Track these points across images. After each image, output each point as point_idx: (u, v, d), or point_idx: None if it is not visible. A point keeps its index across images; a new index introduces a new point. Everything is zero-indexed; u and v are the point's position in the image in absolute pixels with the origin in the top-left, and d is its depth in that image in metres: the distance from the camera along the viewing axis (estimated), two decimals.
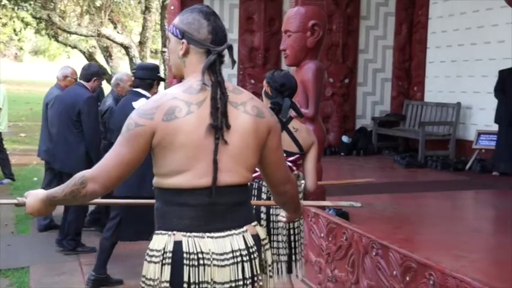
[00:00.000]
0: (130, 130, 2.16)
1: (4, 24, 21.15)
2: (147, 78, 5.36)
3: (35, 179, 10.76)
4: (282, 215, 3.32)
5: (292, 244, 3.83)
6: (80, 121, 6.18)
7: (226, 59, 2.27)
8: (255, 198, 3.69)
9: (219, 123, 2.16)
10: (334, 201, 4.76)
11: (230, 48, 2.28)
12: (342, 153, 10.29)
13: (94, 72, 6.52)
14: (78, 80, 6.62)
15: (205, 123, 2.15)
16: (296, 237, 3.85)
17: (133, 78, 6.29)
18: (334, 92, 10.61)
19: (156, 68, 5.82)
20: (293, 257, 3.83)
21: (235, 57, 9.88)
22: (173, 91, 2.23)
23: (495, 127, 8.74)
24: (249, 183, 2.37)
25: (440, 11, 10.55)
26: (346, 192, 5.94)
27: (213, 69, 2.22)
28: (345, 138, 10.58)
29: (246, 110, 2.24)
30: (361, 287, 4.53)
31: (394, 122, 10.89)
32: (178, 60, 2.30)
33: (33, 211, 2.30)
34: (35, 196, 2.31)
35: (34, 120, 19.65)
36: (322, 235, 5.16)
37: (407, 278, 3.97)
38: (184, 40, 2.25)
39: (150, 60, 19.79)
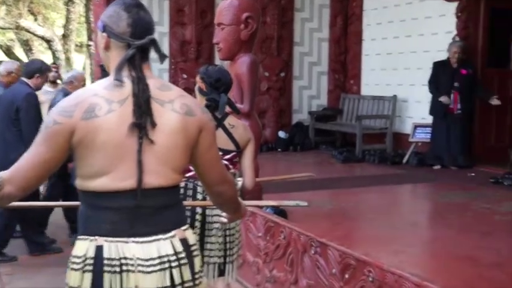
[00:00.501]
0: (48, 128, 2.10)
1: None
2: None
3: None
4: (223, 216, 3.28)
5: (227, 245, 3.79)
6: (19, 119, 6.06)
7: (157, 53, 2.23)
8: (191, 198, 3.65)
9: (142, 122, 2.10)
10: (274, 199, 4.71)
11: (153, 42, 2.23)
12: (279, 149, 10.33)
13: (36, 69, 6.42)
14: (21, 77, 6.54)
15: (128, 121, 2.09)
16: (231, 238, 3.81)
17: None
18: (269, 86, 10.66)
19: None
20: (227, 258, 3.80)
21: (166, 51, 9.92)
22: (95, 87, 2.18)
23: (431, 120, 8.98)
24: (180, 185, 2.32)
25: (375, 3, 10.69)
26: (283, 190, 5.96)
27: (133, 64, 2.16)
28: (281, 134, 10.64)
29: (174, 108, 2.18)
30: (300, 286, 4.58)
31: (331, 116, 10.98)
32: (103, 55, 2.26)
33: None
34: None
35: None
36: (259, 234, 5.17)
37: (347, 276, 4.03)
38: (105, 33, 2.21)
39: (74, 55, 19.39)
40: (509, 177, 7.30)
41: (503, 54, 9.30)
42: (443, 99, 8.46)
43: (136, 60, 2.17)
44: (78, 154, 2.13)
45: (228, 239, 3.78)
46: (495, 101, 8.54)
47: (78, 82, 6.90)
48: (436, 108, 8.65)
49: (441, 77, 8.59)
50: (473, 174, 7.99)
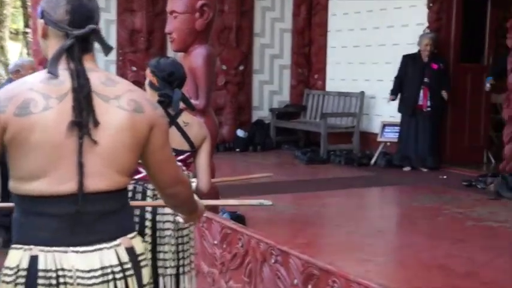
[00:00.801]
0: None
1: None
2: None
3: None
4: (179, 216, 3.28)
5: (181, 254, 3.77)
6: None
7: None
8: (139, 199, 3.63)
9: (82, 120, 2.06)
10: (238, 200, 4.70)
11: (95, 32, 2.18)
12: (237, 149, 10.33)
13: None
14: None
15: (67, 119, 2.05)
16: (185, 246, 3.79)
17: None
18: (227, 80, 10.67)
19: None
20: (181, 269, 3.78)
21: (113, 41, 9.84)
22: (31, 80, 2.13)
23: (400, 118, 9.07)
24: (127, 188, 2.31)
25: None
26: (242, 193, 5.95)
27: (71, 55, 2.12)
28: (240, 132, 10.62)
29: (121, 105, 2.15)
30: None
31: (294, 113, 11.02)
32: (42, 44, 2.22)
33: None
34: None
35: None
36: (215, 242, 5.16)
37: (310, 287, 4.05)
38: (42, 20, 2.17)
39: (9, 43, 19.13)
40: (483, 180, 7.41)
41: (476, 48, 9.41)
42: (390, 98, 8.71)
43: (75, 52, 2.13)
44: (11, 153, 2.10)
45: (180, 247, 3.75)
46: (444, 95, 8.65)
47: (25, 71, 6.77)
48: (404, 105, 8.77)
49: (410, 71, 8.71)
50: (445, 176, 8.10)
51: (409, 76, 8.70)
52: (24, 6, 17.73)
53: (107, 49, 2.25)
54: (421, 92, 8.62)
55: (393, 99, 8.79)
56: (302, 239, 4.82)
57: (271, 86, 11.25)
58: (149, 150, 2.24)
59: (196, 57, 5.54)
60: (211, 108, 5.68)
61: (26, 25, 17.19)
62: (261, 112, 11.06)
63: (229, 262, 4.99)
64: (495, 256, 4.65)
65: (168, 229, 3.65)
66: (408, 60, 8.76)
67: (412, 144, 8.63)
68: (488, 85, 8.58)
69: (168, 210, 3.54)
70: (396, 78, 8.83)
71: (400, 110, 8.84)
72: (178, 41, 5.65)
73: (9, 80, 7.08)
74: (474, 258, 4.52)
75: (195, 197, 2.67)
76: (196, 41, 5.62)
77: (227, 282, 5.02)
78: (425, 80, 8.61)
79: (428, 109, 8.62)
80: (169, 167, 2.36)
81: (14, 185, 2.14)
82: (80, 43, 2.13)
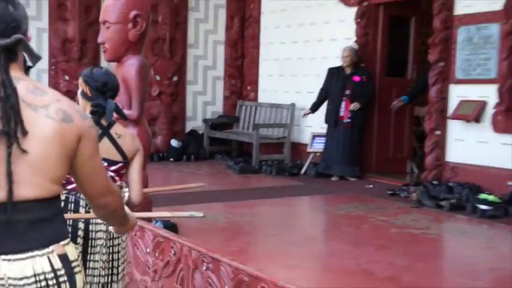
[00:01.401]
0: None
1: None
2: None
3: None
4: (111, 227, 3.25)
5: (113, 263, 3.73)
6: None
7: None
8: (72, 213, 3.56)
9: (10, 130, 2.02)
10: (170, 211, 4.64)
11: (21, 41, 2.13)
12: (171, 159, 10.31)
13: None
14: None
15: None
16: (117, 255, 3.75)
17: None
18: (161, 90, 10.64)
19: None
20: (113, 277, 3.74)
21: (45, 49, 9.68)
22: None
23: None
24: (60, 196, 2.25)
25: (273, 5, 10.85)
26: (175, 202, 6.00)
27: None
28: (174, 142, 10.58)
29: (49, 114, 2.09)
30: None
31: (227, 124, 11.06)
32: None
33: None
34: None
35: None
36: (148, 250, 5.13)
37: None
38: None
39: None
40: (407, 189, 7.58)
41: (401, 62, 9.61)
42: (307, 112, 8.96)
43: (0, 61, 2.07)
44: None
45: (113, 256, 3.71)
46: (352, 106, 8.70)
47: None
48: (328, 117, 8.90)
49: (334, 83, 8.83)
50: (371, 185, 8.26)
51: (333, 88, 8.83)
52: None
53: (34, 59, 2.22)
54: (343, 103, 8.74)
55: (309, 113, 8.96)
56: (233, 247, 4.85)
57: (204, 96, 11.27)
58: (78, 160, 2.19)
59: (129, 68, 5.49)
60: (144, 118, 5.64)
61: None
62: (195, 122, 11.07)
63: (162, 270, 4.98)
64: (415, 261, 4.79)
65: (100, 238, 3.61)
66: (333, 73, 8.88)
67: (334, 154, 8.75)
68: (395, 103, 8.81)
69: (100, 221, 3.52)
70: (321, 90, 8.98)
71: (325, 121, 8.98)
72: (111, 51, 5.60)
73: None
74: (396, 263, 4.64)
75: (126, 208, 2.63)
76: (129, 51, 5.58)
77: None
78: (347, 92, 8.73)
79: (348, 120, 8.72)
80: (99, 178, 2.31)
81: None
82: (6, 53, 2.09)
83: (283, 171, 9.07)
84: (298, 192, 7.74)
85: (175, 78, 10.86)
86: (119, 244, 3.75)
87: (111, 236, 3.68)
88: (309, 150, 9.36)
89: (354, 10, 9.26)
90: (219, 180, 8.64)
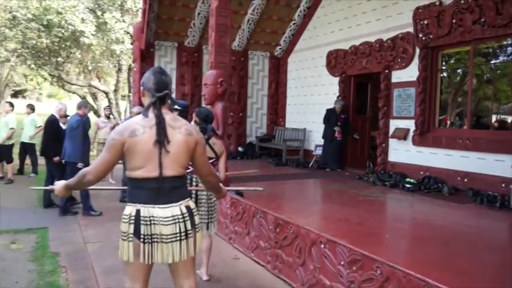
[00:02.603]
0: (109, 142, 2.13)
1: (31, 79, 20.93)
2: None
3: None
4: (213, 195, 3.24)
5: (210, 212, 3.76)
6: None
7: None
8: (189, 184, 3.58)
9: (161, 139, 2.11)
10: (242, 186, 4.74)
11: (167, 95, 2.21)
12: (238, 157, 10.32)
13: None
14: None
15: (153, 138, 2.11)
16: (212, 208, 3.78)
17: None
18: (233, 120, 10.67)
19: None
20: (211, 219, 3.78)
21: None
22: (136, 120, 2.18)
23: (323, 142, 9.13)
24: (185, 175, 2.28)
25: (294, 74, 10.81)
26: (242, 180, 5.99)
27: (155, 106, 2.17)
28: (240, 149, 10.64)
29: (181, 132, 2.19)
30: (251, 236, 4.65)
31: (268, 139, 11.03)
32: (143, 99, 2.26)
33: (58, 193, 2.27)
34: (59, 184, 2.28)
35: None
36: (227, 206, 5.21)
37: (278, 230, 4.13)
38: (142, 87, 2.24)
39: (120, 102, 19.34)
40: (367, 175, 7.49)
41: (363, 107, 9.49)
42: (336, 128, 8.65)
43: (157, 104, 2.18)
44: (126, 156, 2.15)
45: (210, 208, 3.76)
46: (356, 136, 8.82)
47: (134, 114, 7.05)
48: (326, 136, 8.81)
49: (331, 118, 8.73)
50: (347, 173, 8.17)
51: (330, 121, 8.73)
52: (128, 82, 17.69)
53: (173, 104, 2.34)
54: (336, 129, 8.66)
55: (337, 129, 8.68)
56: (274, 205, 4.82)
57: (256, 124, 11.25)
58: (195, 156, 2.26)
59: (218, 108, 5.53)
60: (225, 135, 5.68)
61: (129, 91, 17.12)
62: (251, 138, 11.05)
63: (235, 216, 4.98)
64: (373, 215, 4.77)
65: (203, 198, 3.66)
66: (329, 112, 8.80)
67: (329, 156, 8.67)
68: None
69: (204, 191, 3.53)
70: (324, 122, 8.85)
71: (323, 137, 8.86)
72: (208, 99, 5.64)
73: (129, 117, 7.14)
74: (362, 216, 4.59)
75: (220, 184, 2.64)
76: (217, 99, 5.61)
77: (234, 227, 5.05)
78: (338, 123, 8.66)
79: (340, 139, 8.66)
80: (206, 166, 2.36)
81: (128, 173, 2.18)
82: (160, 100, 2.19)
83: (300, 165, 9.00)
84: (307, 176, 7.68)
85: (240, 114, 10.88)
86: (213, 202, 3.80)
87: (209, 197, 3.71)
88: (314, 153, 9.28)
89: (337, 78, 9.22)
90: (263, 169, 8.56)
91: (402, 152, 7.59)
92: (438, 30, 6.86)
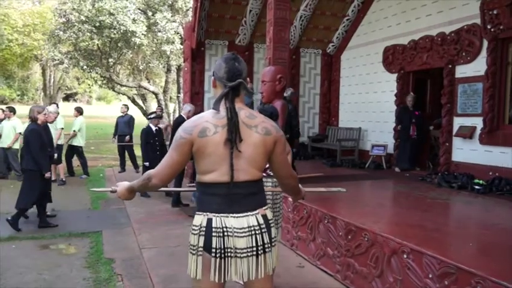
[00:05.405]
0: (177, 141, 1.96)
1: (82, 82, 22.37)
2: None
3: (101, 175, 10.60)
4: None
5: (275, 218, 3.63)
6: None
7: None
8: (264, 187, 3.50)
9: (232, 138, 1.92)
10: (318, 187, 4.58)
11: (241, 84, 1.99)
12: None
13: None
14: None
15: (225, 138, 1.93)
16: (277, 212, 3.67)
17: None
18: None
19: None
20: (275, 224, 3.65)
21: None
22: (206, 116, 1.99)
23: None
24: (262, 178, 2.07)
25: (347, 72, 10.66)
26: (302, 182, 5.95)
27: (227, 98, 1.96)
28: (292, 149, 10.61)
29: (257, 131, 1.98)
30: (316, 242, 4.53)
31: (321, 139, 10.96)
32: (214, 91, 2.06)
33: (121, 196, 2.15)
34: (122, 186, 2.16)
35: (98, 139, 19.59)
36: (289, 210, 5.10)
37: (349, 237, 3.97)
38: (213, 77, 2.06)
39: (170, 102, 19.91)
40: (430, 176, 7.28)
41: (420, 103, 9.19)
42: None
43: (229, 96, 1.97)
44: (196, 158, 1.98)
45: (275, 212, 3.63)
46: (431, 128, 8.52)
47: (190, 113, 7.40)
48: (400, 135, 8.53)
49: (403, 116, 8.44)
50: (407, 174, 7.94)
51: (402, 119, 8.45)
52: (178, 82, 18.12)
53: (249, 94, 2.12)
54: (411, 127, 8.37)
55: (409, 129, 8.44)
56: (337, 208, 4.65)
57: (308, 124, 11.18)
58: (273, 156, 2.06)
59: (277, 106, 5.30)
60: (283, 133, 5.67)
61: (178, 92, 17.55)
62: (303, 138, 10.97)
63: (298, 221, 4.91)
64: (448, 219, 4.56)
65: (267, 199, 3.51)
66: (402, 110, 8.54)
67: (405, 156, 8.36)
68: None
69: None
70: (396, 118, 8.61)
71: (399, 137, 8.56)
72: (266, 97, 5.35)
73: (180, 117, 7.40)
74: (437, 221, 4.28)
75: (300, 185, 2.39)
76: (276, 97, 5.32)
77: (296, 233, 4.95)
78: (413, 120, 8.37)
79: (415, 137, 8.38)
80: (285, 166, 2.13)
81: (198, 176, 2.02)
82: (232, 91, 1.98)
83: (355, 166, 8.89)
84: (364, 178, 7.54)
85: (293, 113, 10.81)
86: (278, 205, 3.69)
87: (274, 200, 3.57)
88: (370, 154, 9.08)
89: (395, 75, 9.00)
90: (317, 171, 8.31)
91: (467, 152, 7.28)
92: (510, 21, 6.52)
